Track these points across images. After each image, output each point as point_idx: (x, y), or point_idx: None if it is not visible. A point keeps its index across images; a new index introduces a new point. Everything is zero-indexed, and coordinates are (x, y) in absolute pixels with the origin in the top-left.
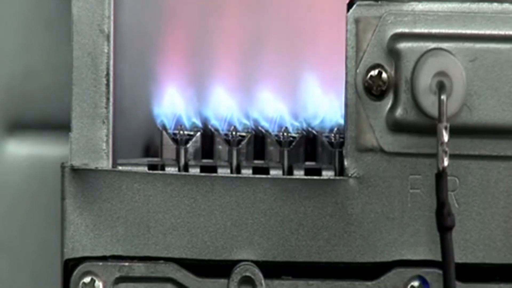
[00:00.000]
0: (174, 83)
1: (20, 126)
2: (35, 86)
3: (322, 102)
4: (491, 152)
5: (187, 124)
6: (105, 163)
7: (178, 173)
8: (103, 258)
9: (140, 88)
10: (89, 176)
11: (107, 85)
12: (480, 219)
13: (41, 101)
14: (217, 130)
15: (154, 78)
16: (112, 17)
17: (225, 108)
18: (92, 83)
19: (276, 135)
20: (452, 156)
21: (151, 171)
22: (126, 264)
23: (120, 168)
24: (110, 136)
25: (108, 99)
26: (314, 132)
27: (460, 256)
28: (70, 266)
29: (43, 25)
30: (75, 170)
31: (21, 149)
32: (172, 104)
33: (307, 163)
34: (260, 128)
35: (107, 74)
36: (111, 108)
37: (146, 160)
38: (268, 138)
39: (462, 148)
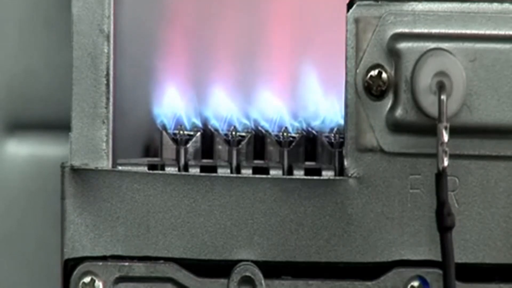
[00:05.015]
0: (174, 83)
1: (20, 126)
2: (35, 86)
3: (322, 102)
4: (491, 152)
5: (187, 124)
6: (105, 163)
7: (178, 173)
8: (103, 258)
9: (140, 88)
10: (89, 176)
11: (107, 85)
12: (480, 219)
13: (41, 101)
14: (217, 130)
15: (154, 78)
16: (112, 17)
17: (225, 108)
18: (92, 83)
19: (276, 135)
20: (452, 156)
21: (151, 171)
22: (126, 264)
23: (120, 168)
24: (110, 136)
25: (108, 99)
26: (314, 132)
27: (460, 256)
28: (70, 266)
29: (43, 25)
30: (75, 170)
31: (21, 149)
32: (172, 104)
33: (307, 163)
34: (260, 128)
35: (107, 74)
36: (111, 108)
37: (146, 160)
38: (268, 138)
39: (462, 148)
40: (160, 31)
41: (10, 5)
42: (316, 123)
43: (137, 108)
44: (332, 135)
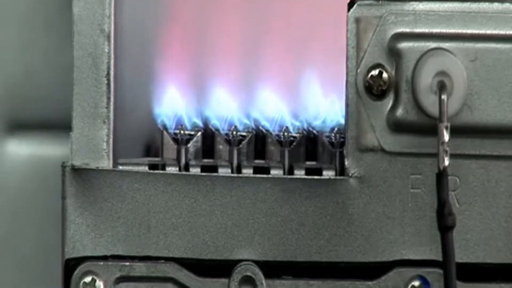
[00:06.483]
0: (175, 83)
1: (20, 126)
2: (35, 86)
3: (323, 102)
4: (491, 151)
5: (187, 123)
6: (106, 163)
7: (179, 172)
8: (104, 258)
9: (141, 87)
10: (89, 175)
11: (108, 84)
12: (481, 219)
13: (41, 101)
14: (217, 129)
15: (155, 78)
16: (112, 17)
17: (225, 107)
18: (93, 83)
19: (277, 135)
20: (452, 156)
21: (152, 171)
22: (127, 263)
23: (120, 167)
24: (111, 135)
25: (108, 98)
26: (314, 132)
27: (461, 255)
28: (71, 265)
29: (43, 25)
30: (75, 170)
31: (21, 149)
32: (173, 104)
33: (307, 163)
34: (260, 127)
35: (108, 74)
36: (111, 107)
37: (146, 159)
38: (269, 138)
39: (463, 148)
40: (161, 31)
41: (10, 5)
42: (316, 123)
43: (138, 108)
44: (333, 135)
